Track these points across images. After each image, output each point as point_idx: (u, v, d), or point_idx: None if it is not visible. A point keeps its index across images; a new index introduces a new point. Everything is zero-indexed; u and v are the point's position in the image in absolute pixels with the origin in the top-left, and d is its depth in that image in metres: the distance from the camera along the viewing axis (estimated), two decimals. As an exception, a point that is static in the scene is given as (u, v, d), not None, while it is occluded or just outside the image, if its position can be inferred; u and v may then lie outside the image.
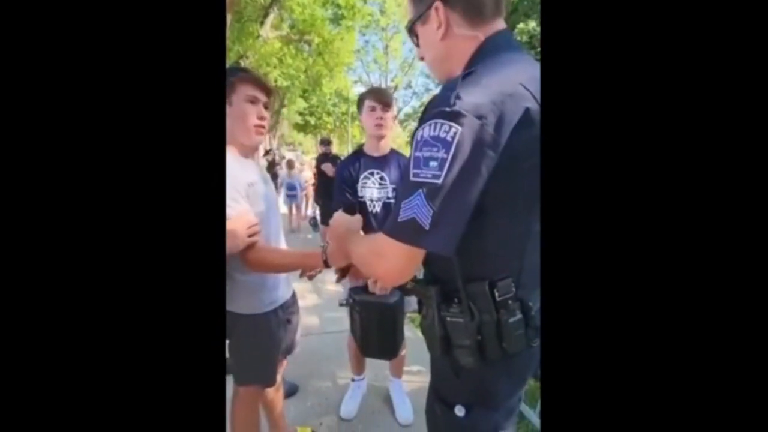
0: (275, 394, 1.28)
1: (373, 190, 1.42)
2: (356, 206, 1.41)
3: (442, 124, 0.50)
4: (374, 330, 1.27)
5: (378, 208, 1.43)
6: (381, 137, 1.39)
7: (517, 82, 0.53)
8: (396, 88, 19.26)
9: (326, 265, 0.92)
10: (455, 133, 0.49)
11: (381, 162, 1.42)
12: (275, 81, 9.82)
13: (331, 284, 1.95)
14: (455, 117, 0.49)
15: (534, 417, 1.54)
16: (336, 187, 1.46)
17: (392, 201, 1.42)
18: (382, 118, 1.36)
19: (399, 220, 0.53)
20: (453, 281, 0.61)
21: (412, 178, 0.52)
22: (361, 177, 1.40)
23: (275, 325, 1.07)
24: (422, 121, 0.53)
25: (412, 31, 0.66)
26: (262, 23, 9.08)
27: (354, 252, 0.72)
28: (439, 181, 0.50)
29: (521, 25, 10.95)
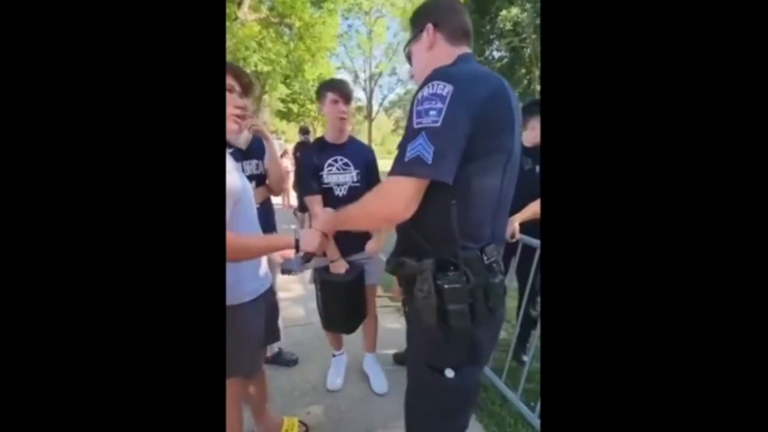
0: (258, 384, 1.28)
1: (338, 175, 1.48)
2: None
3: (438, 84, 0.66)
4: (334, 306, 1.46)
5: (344, 192, 1.49)
6: (343, 128, 1.49)
7: (488, 71, 0.73)
8: (380, 74, 18.98)
9: (296, 248, 0.92)
10: (449, 90, 0.64)
11: (343, 148, 1.51)
12: (255, 66, 9.48)
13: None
14: (449, 79, 0.66)
15: (516, 399, 1.59)
16: (301, 175, 1.52)
17: (358, 185, 1.49)
18: (345, 112, 1.44)
19: (406, 159, 0.65)
20: (447, 251, 0.70)
21: (415, 126, 0.66)
22: (326, 164, 1.47)
23: (255, 316, 1.06)
24: (422, 84, 0.69)
25: (408, 50, 0.86)
26: (239, 5, 8.70)
27: (349, 216, 0.82)
28: (438, 124, 0.64)
29: (504, 12, 10.89)
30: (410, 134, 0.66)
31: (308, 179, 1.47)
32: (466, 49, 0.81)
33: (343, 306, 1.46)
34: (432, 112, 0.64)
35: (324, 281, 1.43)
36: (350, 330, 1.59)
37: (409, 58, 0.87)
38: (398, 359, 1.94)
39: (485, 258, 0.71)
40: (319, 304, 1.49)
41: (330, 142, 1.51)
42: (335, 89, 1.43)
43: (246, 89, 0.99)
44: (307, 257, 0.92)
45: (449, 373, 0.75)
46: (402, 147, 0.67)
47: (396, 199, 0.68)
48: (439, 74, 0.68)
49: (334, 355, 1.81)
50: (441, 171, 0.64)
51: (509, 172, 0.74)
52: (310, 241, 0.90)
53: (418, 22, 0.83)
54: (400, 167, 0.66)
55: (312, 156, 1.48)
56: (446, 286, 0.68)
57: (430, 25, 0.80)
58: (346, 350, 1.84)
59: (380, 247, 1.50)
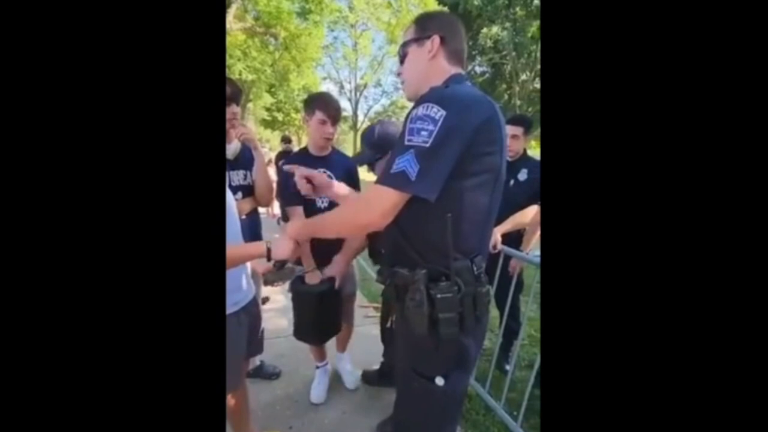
0: (240, 398, 1.25)
1: None
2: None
3: (432, 106, 0.68)
4: (304, 315, 1.47)
5: (325, 204, 1.49)
6: (328, 145, 1.50)
7: (482, 96, 0.74)
8: (365, 85, 19.19)
9: (268, 256, 0.93)
10: (442, 115, 0.67)
11: (326, 160, 1.51)
12: (239, 74, 9.43)
13: (299, 285, 1.91)
14: (442, 103, 0.68)
15: (499, 408, 1.61)
16: (283, 186, 1.50)
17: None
18: (331, 133, 1.44)
19: (392, 171, 0.69)
20: (439, 262, 0.73)
21: (406, 143, 0.69)
22: None
23: (236, 328, 1.04)
24: (418, 103, 0.71)
25: (404, 49, 0.85)
26: (224, 13, 8.66)
27: (325, 223, 0.85)
28: (428, 145, 0.67)
29: (485, 30, 11.31)
30: (400, 149, 0.69)
31: (290, 190, 1.45)
32: (460, 70, 0.84)
33: (313, 316, 1.46)
34: (423, 133, 0.67)
35: (296, 291, 1.45)
36: (320, 341, 1.60)
37: (402, 58, 0.86)
38: (366, 379, 1.86)
39: (475, 269, 0.75)
40: (294, 314, 1.50)
41: (313, 154, 1.51)
42: (325, 109, 1.39)
43: (231, 98, 1.00)
44: (279, 265, 0.92)
45: (439, 380, 0.77)
46: (390, 159, 0.70)
47: (375, 207, 0.71)
48: (434, 96, 0.70)
49: (317, 367, 1.79)
50: (422, 188, 0.67)
51: (497, 189, 0.78)
52: (282, 248, 0.90)
53: (425, 28, 0.83)
54: (385, 178, 0.70)
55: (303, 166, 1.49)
56: (438, 296, 0.71)
57: (436, 37, 0.80)
58: (329, 363, 1.83)
59: (343, 270, 1.49)
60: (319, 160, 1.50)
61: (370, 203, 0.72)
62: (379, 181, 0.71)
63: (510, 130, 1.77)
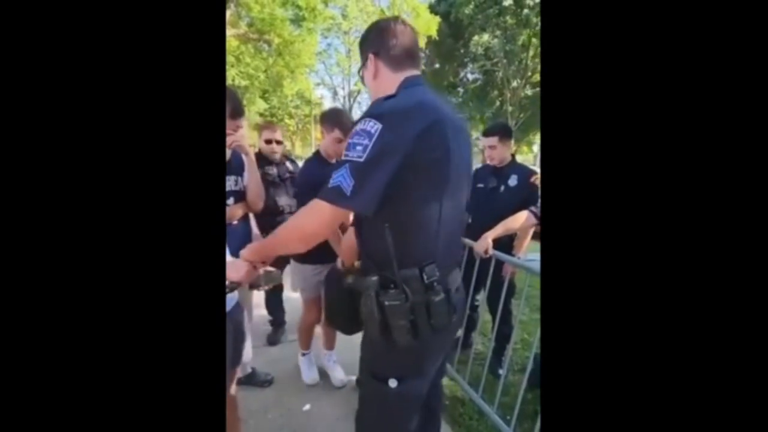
0: (228, 407, 1.23)
1: None
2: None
3: (369, 121, 0.69)
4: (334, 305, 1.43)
5: None
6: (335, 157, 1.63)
7: (426, 102, 0.73)
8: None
9: None
10: (377, 129, 0.67)
11: (335, 167, 1.56)
12: (233, 80, 9.44)
13: (290, 292, 1.91)
14: (379, 117, 0.69)
15: (492, 413, 1.61)
16: (305, 189, 1.58)
17: None
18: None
19: (329, 186, 0.70)
20: (389, 270, 0.73)
21: (343, 158, 0.70)
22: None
23: None
24: (360, 118, 0.73)
25: (361, 76, 0.89)
26: (217, 20, 8.66)
27: (275, 240, 0.84)
28: (362, 160, 0.67)
29: (476, 38, 11.50)
30: (338, 164, 0.71)
31: (312, 192, 1.54)
32: (412, 72, 0.82)
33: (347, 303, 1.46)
34: (358, 148, 0.68)
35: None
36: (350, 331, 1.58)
37: (363, 82, 0.91)
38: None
39: (425, 277, 0.74)
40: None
41: (326, 160, 1.64)
42: (342, 129, 1.51)
43: (231, 114, 1.01)
44: (232, 286, 0.91)
45: (392, 383, 0.79)
46: (330, 174, 0.72)
47: (315, 219, 0.74)
48: (373, 111, 0.71)
49: (303, 354, 1.89)
50: (357, 203, 0.68)
51: (450, 198, 0.76)
52: (236, 270, 0.90)
53: (362, 52, 0.86)
54: (323, 192, 0.71)
55: (315, 170, 1.59)
56: (387, 303, 0.73)
57: (371, 56, 0.82)
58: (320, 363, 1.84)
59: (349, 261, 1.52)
60: (331, 165, 1.62)
61: (310, 215, 0.75)
62: (318, 195, 0.72)
63: (485, 141, 1.84)
